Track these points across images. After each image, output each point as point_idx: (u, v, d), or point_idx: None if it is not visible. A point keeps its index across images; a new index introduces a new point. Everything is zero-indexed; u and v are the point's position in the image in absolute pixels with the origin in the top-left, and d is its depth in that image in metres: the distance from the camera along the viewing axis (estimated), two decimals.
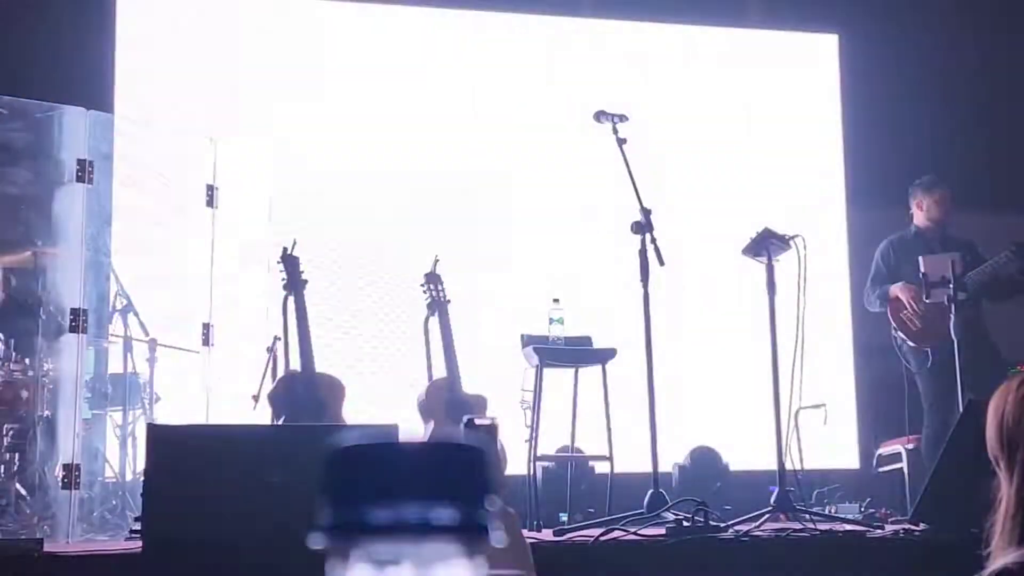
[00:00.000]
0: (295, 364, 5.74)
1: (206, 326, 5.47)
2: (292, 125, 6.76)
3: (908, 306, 6.02)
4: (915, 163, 6.98)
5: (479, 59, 7.21)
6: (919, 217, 6.30)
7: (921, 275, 5.81)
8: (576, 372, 5.60)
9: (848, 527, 4.68)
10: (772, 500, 4.73)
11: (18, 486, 4.66)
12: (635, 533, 4.32)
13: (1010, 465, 1.77)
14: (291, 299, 5.76)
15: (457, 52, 7.20)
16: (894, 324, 6.12)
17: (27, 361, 4.87)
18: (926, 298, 5.88)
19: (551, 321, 5.31)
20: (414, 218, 6.82)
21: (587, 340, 5.79)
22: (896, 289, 6.08)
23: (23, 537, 4.26)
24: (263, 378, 5.69)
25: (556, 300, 5.47)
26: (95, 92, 5.98)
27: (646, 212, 4.82)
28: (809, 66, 7.69)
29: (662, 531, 4.34)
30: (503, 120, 7.13)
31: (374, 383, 6.57)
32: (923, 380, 6.06)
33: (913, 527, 4.63)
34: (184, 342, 5.50)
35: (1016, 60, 7.26)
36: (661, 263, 4.89)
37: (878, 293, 6.23)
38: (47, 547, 3.96)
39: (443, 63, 7.13)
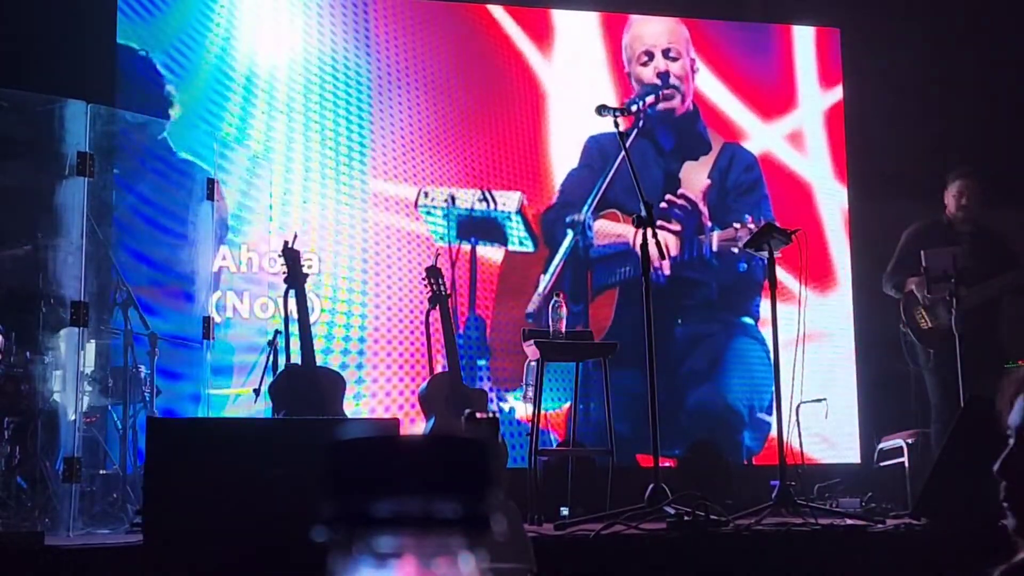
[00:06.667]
0: (295, 358, 5.75)
1: (207, 320, 5.48)
2: (291, 119, 6.74)
3: (921, 303, 5.95)
4: (917, 156, 6.98)
5: (475, 51, 7.19)
6: (948, 207, 6.22)
7: (922, 269, 5.76)
8: (577, 366, 5.60)
9: (849, 521, 4.68)
10: (773, 495, 4.73)
11: (19, 479, 4.66)
12: (636, 527, 4.32)
13: None
14: (292, 292, 5.76)
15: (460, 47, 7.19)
16: (903, 318, 6.06)
17: (28, 354, 4.86)
18: (928, 293, 5.83)
19: (553, 315, 5.30)
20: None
21: (588, 335, 5.79)
22: (912, 283, 6.00)
23: (24, 530, 4.25)
24: (264, 372, 5.69)
25: (558, 294, 5.46)
26: (96, 86, 5.96)
27: (648, 206, 4.81)
28: (811, 58, 7.66)
29: (663, 525, 4.33)
30: (507, 114, 7.12)
31: (375, 377, 6.56)
32: (928, 376, 6.02)
33: (914, 521, 4.64)
34: (184, 335, 5.51)
35: (1019, 52, 7.24)
36: (662, 256, 4.91)
37: (894, 282, 6.15)
38: (48, 540, 3.96)
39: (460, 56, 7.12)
